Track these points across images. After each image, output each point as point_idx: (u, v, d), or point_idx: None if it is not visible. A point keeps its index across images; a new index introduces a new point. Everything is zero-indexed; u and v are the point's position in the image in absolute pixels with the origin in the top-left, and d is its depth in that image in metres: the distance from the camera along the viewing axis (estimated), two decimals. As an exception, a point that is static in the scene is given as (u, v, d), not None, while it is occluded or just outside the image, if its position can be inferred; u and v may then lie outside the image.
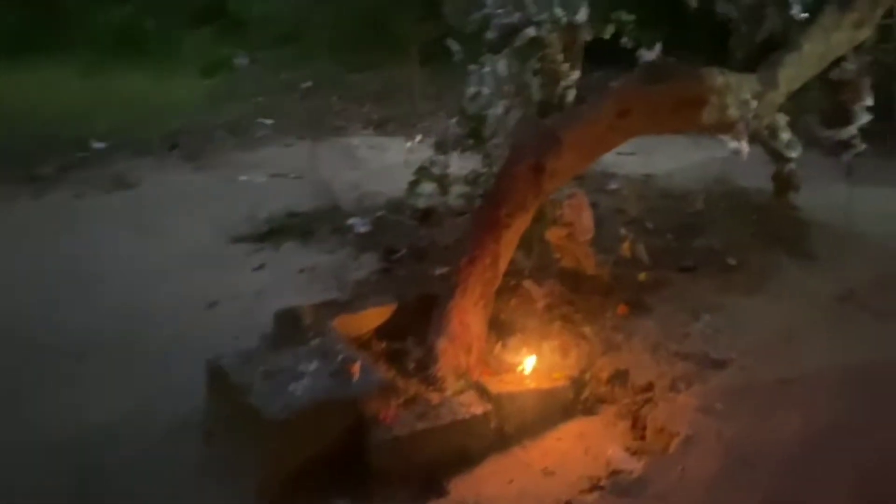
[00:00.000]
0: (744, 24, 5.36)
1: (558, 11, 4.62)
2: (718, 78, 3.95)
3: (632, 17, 4.78)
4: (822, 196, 5.60)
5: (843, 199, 5.34)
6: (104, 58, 9.88)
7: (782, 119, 5.19)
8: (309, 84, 10.14)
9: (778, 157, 5.44)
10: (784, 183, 5.42)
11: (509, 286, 4.00)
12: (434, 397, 3.13)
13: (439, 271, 4.37)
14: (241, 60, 10.81)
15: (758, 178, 5.72)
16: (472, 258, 3.66)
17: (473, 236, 3.74)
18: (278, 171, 6.64)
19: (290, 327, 3.51)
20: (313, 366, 3.16)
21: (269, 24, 12.04)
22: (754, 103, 4.03)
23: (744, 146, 4.06)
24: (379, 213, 5.45)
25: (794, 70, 4.22)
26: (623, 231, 4.59)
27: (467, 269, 3.64)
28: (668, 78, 3.98)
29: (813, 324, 3.98)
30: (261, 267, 4.82)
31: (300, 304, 3.61)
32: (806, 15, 5.11)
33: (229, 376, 3.23)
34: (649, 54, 4.77)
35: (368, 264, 4.79)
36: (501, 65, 4.80)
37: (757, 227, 5.22)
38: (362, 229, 5.21)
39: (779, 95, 4.16)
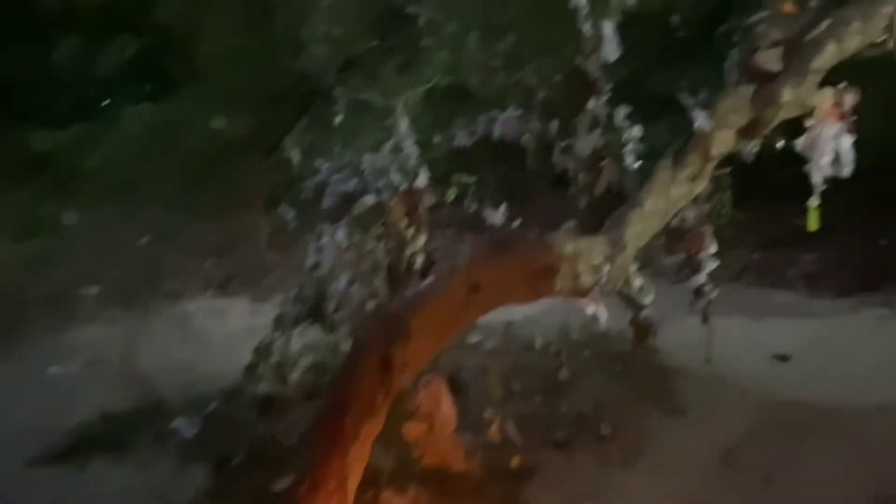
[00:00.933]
0: (583, 174, 5.32)
1: (396, 177, 4.27)
2: (568, 245, 3.67)
3: (473, 179, 4.54)
4: (679, 333, 5.43)
5: (701, 336, 5.18)
6: None
7: (633, 265, 5.06)
8: (145, 240, 9.22)
9: (632, 303, 5.27)
10: (642, 330, 5.21)
11: (365, 500, 3.31)
12: None
13: (282, 484, 3.60)
14: (69, 218, 9.71)
15: (618, 320, 5.50)
16: (313, 484, 2.99)
17: (314, 455, 3.07)
18: (97, 356, 5.66)
19: None
20: None
21: (103, 176, 11.08)
22: (606, 267, 3.76)
23: (601, 312, 3.76)
24: (212, 407, 4.62)
25: (639, 227, 4.04)
26: (490, 411, 4.07)
27: (309, 499, 2.95)
28: (517, 247, 3.66)
29: (701, 500, 3.57)
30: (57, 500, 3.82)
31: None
32: (640, 163, 5.15)
33: None
34: (495, 216, 4.51)
35: (196, 479, 3.94)
36: (341, 234, 4.33)
37: (623, 381, 4.91)
38: (190, 432, 4.36)
39: (628, 256, 3.93)
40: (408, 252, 4.45)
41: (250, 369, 4.51)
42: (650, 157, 4.81)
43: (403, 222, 4.43)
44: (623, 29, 5.55)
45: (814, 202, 4.23)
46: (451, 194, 4.45)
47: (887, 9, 3.99)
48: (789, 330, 5.99)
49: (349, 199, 4.39)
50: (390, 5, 6.20)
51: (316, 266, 4.44)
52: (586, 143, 5.12)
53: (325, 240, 4.35)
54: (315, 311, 4.20)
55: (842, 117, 4.11)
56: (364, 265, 4.43)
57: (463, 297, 3.44)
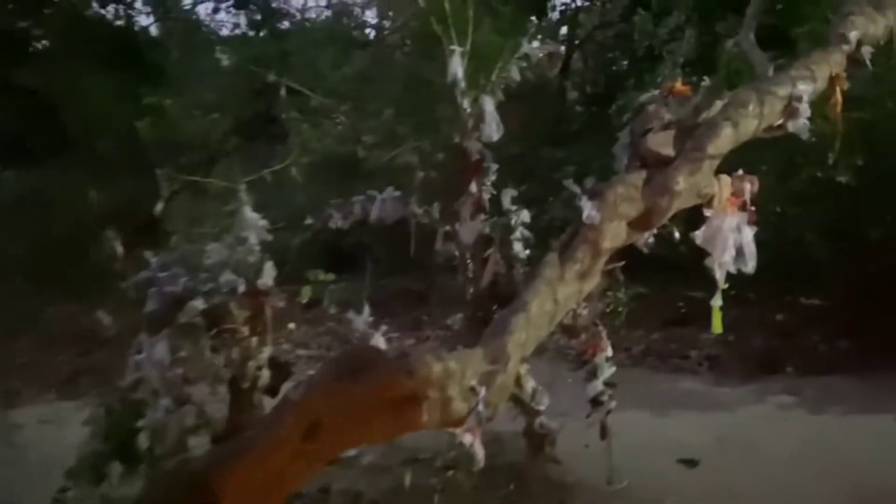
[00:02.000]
0: (470, 264, 4.62)
1: (230, 277, 3.40)
2: (435, 365, 2.85)
3: (332, 277, 3.73)
4: (579, 435, 4.69)
5: (599, 435, 4.46)
6: None
7: (523, 366, 4.34)
8: (-9, 328, 7.82)
9: (526, 409, 4.52)
10: (537, 440, 4.45)
11: None
12: None
13: None
14: None
15: (513, 422, 4.73)
16: None
17: None
18: None
19: None
20: None
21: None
22: (483, 390, 2.97)
23: (478, 448, 2.95)
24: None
25: (524, 335, 3.30)
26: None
27: None
28: (371, 371, 2.82)
29: None
30: None
31: None
32: (528, 252, 4.49)
33: None
34: (358, 319, 3.68)
35: None
36: (161, 348, 3.38)
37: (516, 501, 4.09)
38: None
39: (511, 373, 3.16)
40: (252, 365, 3.56)
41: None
42: (542, 241, 4.16)
43: (245, 330, 3.55)
44: (513, 105, 5.04)
45: (717, 302, 3.66)
46: (306, 294, 3.60)
47: (784, 90, 3.56)
48: (694, 425, 5.37)
49: (176, 303, 3.46)
50: (256, 76, 5.47)
51: (136, 386, 3.45)
52: (470, 228, 4.46)
53: (144, 354, 3.38)
54: (122, 450, 3.19)
55: (742, 207, 3.59)
56: (196, 384, 3.49)
57: (296, 445, 2.56)
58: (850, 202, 7.11)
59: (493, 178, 4.53)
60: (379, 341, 3.34)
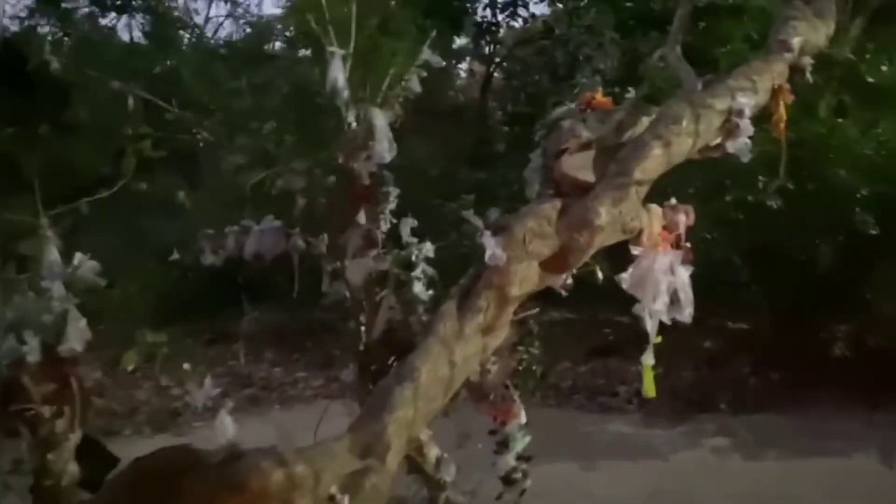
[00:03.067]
0: (358, 307, 3.79)
1: (12, 344, 2.46)
2: (274, 473, 2.01)
3: (164, 338, 2.83)
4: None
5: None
6: None
7: (425, 432, 3.52)
8: None
9: (430, 481, 3.69)
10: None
11: None
12: None
13: None
14: None
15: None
16: None
17: None
18: None
19: None
20: None
21: None
22: (346, 499, 2.14)
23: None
24: None
25: (411, 411, 2.48)
26: None
27: None
28: (184, 485, 1.94)
29: None
30: None
31: None
32: (431, 293, 3.70)
33: None
34: (198, 394, 2.77)
35: None
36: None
37: None
38: None
39: (388, 470, 2.33)
40: (54, 457, 2.60)
41: None
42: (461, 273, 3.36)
43: (48, 410, 2.60)
44: (430, 124, 4.29)
45: (648, 360, 2.95)
46: (131, 360, 2.68)
47: (722, 103, 2.91)
48: (626, 478, 4.69)
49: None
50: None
51: None
52: (358, 266, 3.63)
53: None
54: None
55: (676, 243, 2.92)
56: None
57: None
58: (775, 223, 6.69)
59: (392, 205, 3.72)
60: (226, 422, 2.45)
